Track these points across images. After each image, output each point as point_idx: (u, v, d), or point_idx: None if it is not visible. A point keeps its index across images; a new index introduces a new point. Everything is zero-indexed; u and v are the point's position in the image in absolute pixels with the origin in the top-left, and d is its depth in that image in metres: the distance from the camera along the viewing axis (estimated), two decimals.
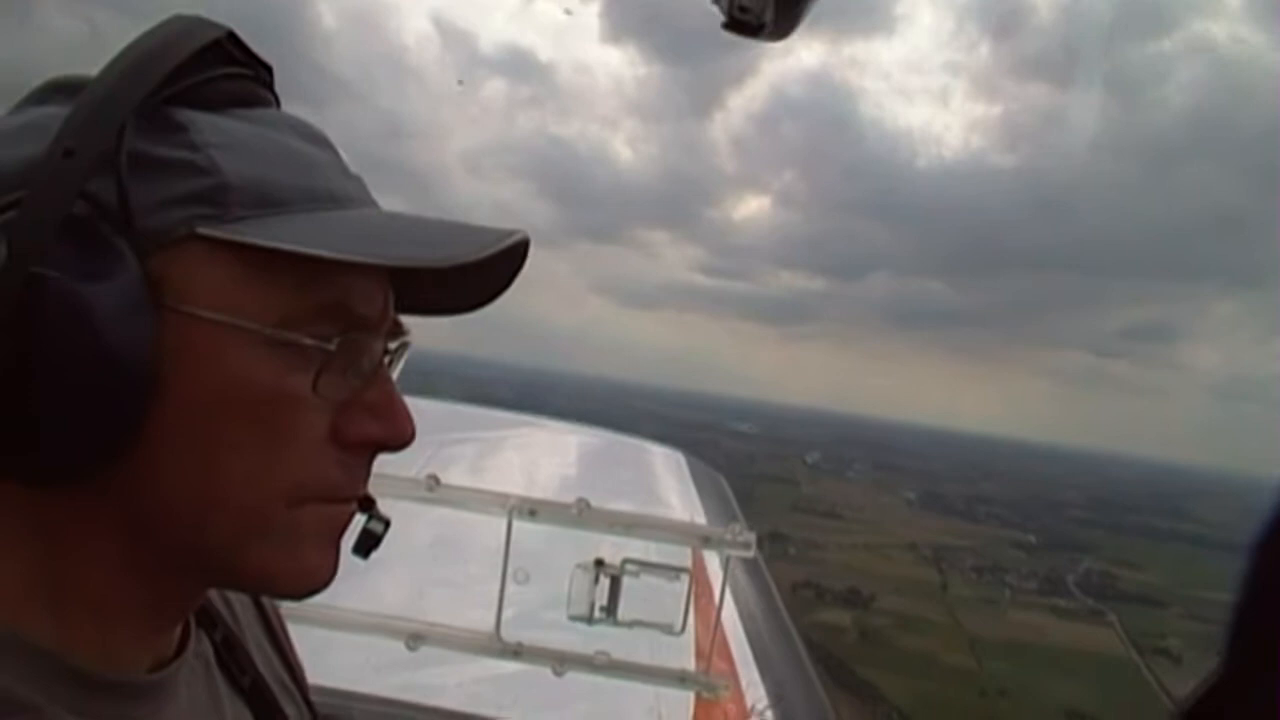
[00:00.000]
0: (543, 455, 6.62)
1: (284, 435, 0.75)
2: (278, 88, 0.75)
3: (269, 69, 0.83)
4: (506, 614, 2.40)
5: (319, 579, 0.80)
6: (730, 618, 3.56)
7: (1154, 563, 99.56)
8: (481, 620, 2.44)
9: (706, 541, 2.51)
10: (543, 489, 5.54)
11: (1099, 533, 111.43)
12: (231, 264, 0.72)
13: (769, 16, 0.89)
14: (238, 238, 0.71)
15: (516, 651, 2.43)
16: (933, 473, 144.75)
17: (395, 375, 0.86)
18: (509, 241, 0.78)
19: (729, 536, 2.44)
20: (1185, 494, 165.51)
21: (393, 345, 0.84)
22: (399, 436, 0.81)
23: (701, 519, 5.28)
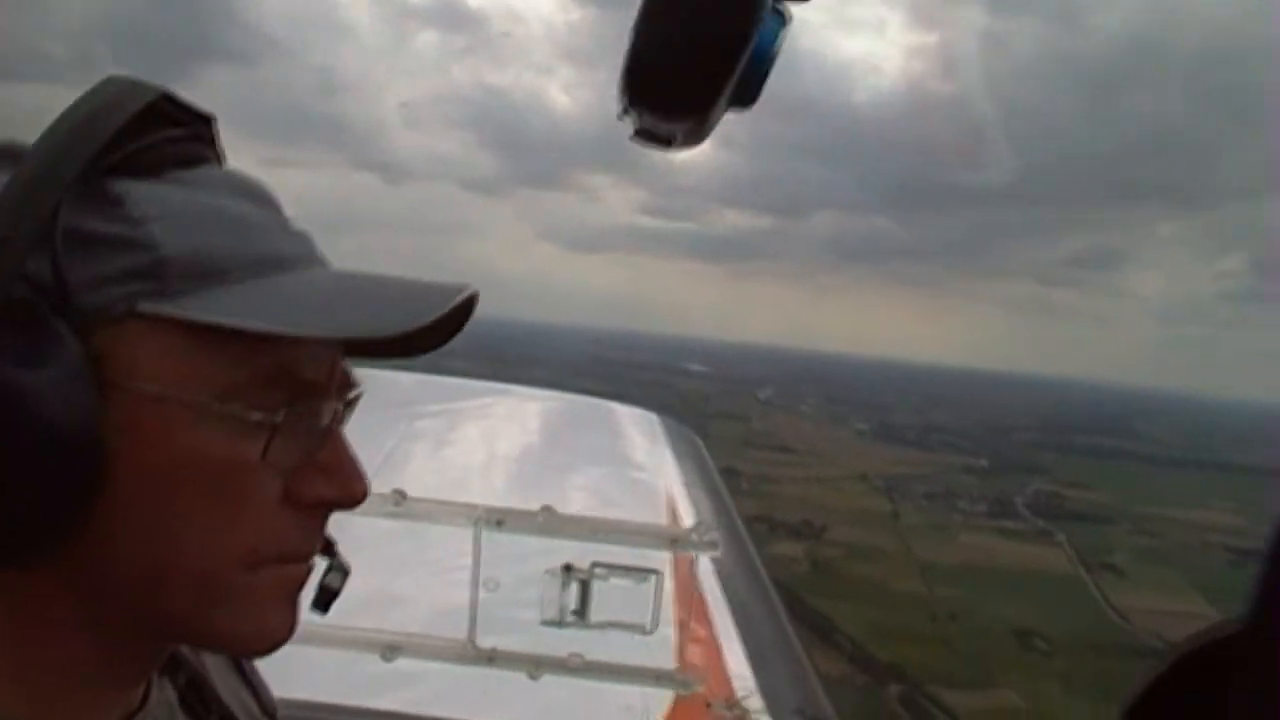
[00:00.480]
0: (513, 426, 6.58)
1: (237, 503, 0.74)
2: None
3: (209, 121, 0.82)
4: (483, 623, 2.42)
5: (278, 638, 0.80)
6: (719, 608, 3.59)
7: (1101, 482, 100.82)
8: (454, 625, 2.46)
9: (673, 544, 2.49)
10: (513, 462, 5.62)
11: (1048, 455, 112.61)
12: (174, 338, 0.71)
13: (678, 131, 0.84)
14: (179, 314, 0.70)
15: (491, 658, 2.45)
16: (884, 404, 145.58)
17: (346, 426, 0.84)
18: (455, 302, 0.77)
19: (695, 537, 2.44)
20: (1131, 414, 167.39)
21: (349, 395, 0.84)
22: (352, 496, 0.80)
23: (677, 484, 5.28)
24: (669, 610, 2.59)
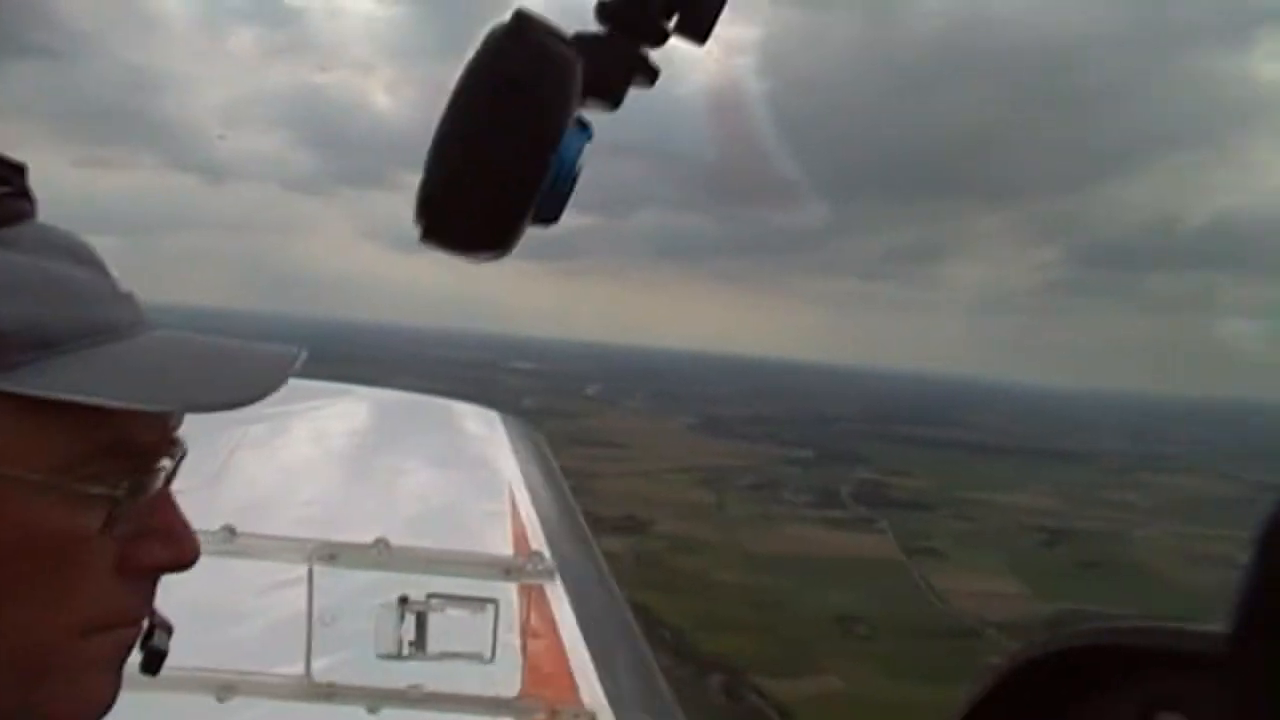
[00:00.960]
0: (350, 428, 6.32)
1: (73, 575, 0.73)
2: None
3: (21, 169, 0.79)
4: (320, 658, 2.34)
5: (105, 705, 0.79)
6: (567, 625, 3.47)
7: (923, 469, 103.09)
8: (291, 660, 2.36)
9: (506, 574, 2.48)
10: (352, 468, 5.50)
11: (872, 445, 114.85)
12: (9, 413, 0.69)
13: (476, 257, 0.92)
14: (15, 389, 0.68)
15: (328, 694, 2.37)
16: (711, 397, 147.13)
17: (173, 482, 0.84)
18: (288, 374, 0.79)
19: (532, 566, 2.47)
20: (952, 403, 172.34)
21: (178, 454, 0.83)
22: (184, 558, 0.80)
23: (521, 487, 5.10)
24: (514, 635, 2.58)
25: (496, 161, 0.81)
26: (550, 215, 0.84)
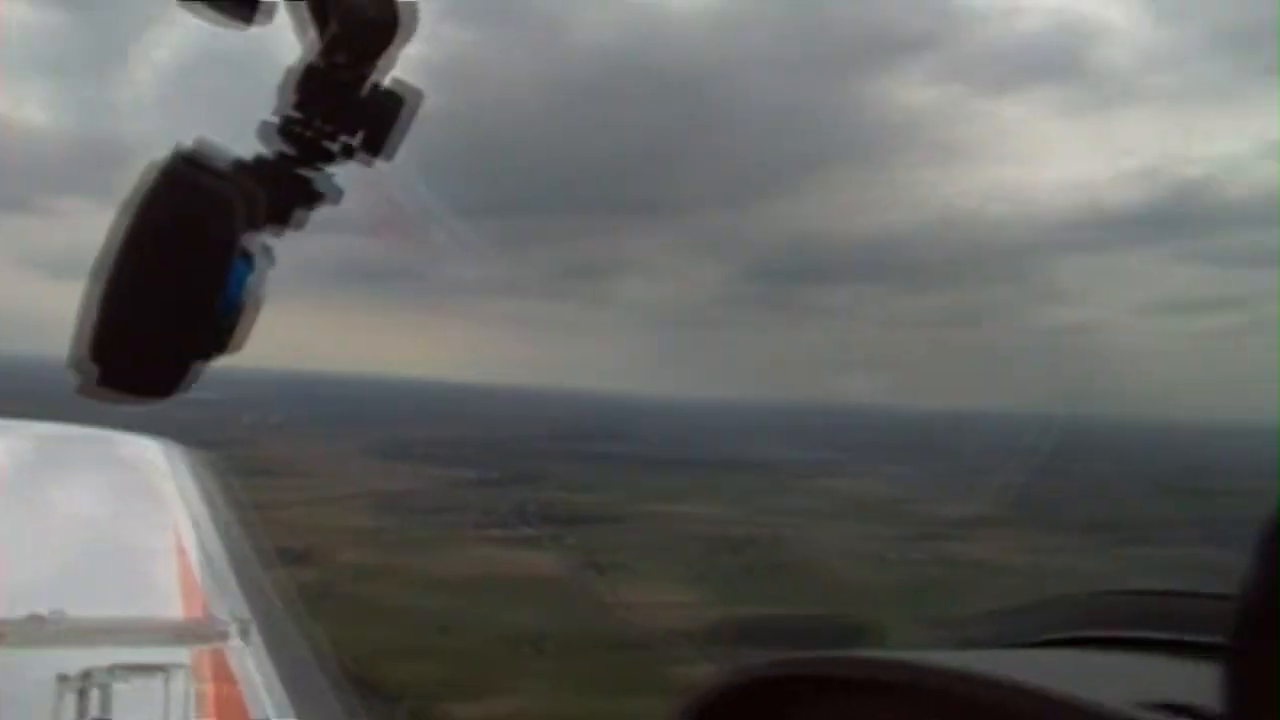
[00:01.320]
0: (4, 468, 5.84)
1: None
2: None
3: None
4: None
5: None
6: (255, 689, 3.30)
7: (605, 486, 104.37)
8: None
9: (184, 638, 2.44)
10: (9, 513, 5.00)
11: (554, 463, 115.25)
12: None
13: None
14: None
15: None
16: (392, 422, 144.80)
17: None
18: None
19: (208, 628, 2.47)
20: (628, 419, 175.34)
21: None
22: None
23: (199, 526, 4.97)
24: (193, 701, 2.39)
25: (161, 308, 0.78)
26: (218, 349, 0.82)
